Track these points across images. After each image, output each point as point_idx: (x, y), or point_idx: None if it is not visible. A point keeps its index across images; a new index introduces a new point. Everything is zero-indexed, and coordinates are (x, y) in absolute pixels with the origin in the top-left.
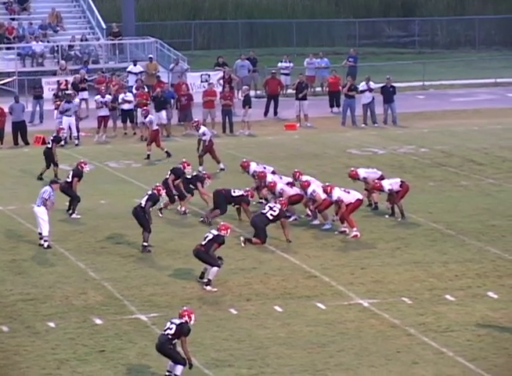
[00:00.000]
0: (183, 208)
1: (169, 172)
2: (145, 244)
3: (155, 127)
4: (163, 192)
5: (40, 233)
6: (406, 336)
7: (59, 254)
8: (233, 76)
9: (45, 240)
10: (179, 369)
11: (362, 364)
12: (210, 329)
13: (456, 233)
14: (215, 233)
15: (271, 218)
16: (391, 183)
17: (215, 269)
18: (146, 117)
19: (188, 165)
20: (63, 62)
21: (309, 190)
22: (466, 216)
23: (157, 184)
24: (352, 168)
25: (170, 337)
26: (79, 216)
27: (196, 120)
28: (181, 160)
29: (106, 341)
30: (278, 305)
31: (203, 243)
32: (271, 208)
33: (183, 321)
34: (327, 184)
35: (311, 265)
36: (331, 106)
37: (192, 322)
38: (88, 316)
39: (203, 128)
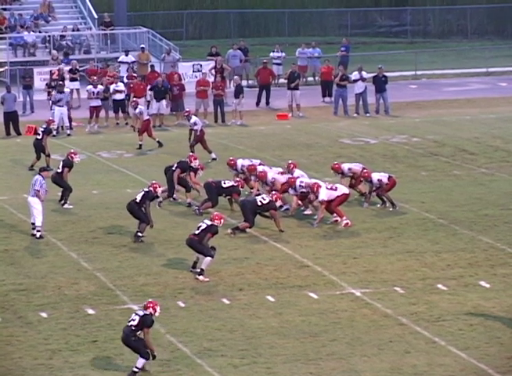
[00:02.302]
0: (188, 200)
1: (175, 166)
2: (139, 234)
3: (146, 117)
4: (159, 189)
5: (33, 223)
6: (398, 325)
7: (52, 245)
8: (225, 66)
9: (38, 230)
10: (141, 362)
11: (355, 354)
12: (203, 319)
13: (449, 223)
14: (208, 222)
15: (259, 204)
16: (380, 175)
17: (208, 259)
18: (135, 109)
19: (195, 159)
20: (54, 52)
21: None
22: (458, 205)
23: (154, 181)
24: (336, 162)
25: (133, 328)
26: (71, 206)
27: (188, 110)
28: (176, 154)
29: (98, 332)
30: (270, 294)
31: (197, 232)
32: (262, 198)
33: (147, 313)
34: (314, 182)
35: (303, 254)
36: (323, 95)
37: (156, 314)
38: (81, 306)
39: (194, 118)
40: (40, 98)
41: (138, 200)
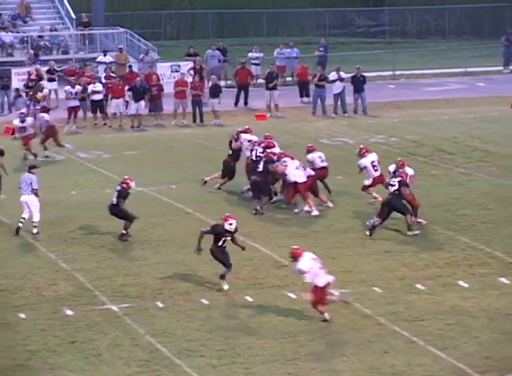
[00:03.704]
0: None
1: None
2: (124, 231)
3: (31, 131)
4: (132, 184)
5: (23, 218)
6: (377, 325)
7: (30, 245)
8: (204, 66)
9: (35, 226)
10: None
11: (334, 354)
12: (182, 319)
13: (427, 222)
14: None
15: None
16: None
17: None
18: (23, 121)
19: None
20: (31, 52)
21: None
22: (436, 205)
23: (125, 177)
24: None
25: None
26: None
27: None
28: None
29: (77, 332)
30: (249, 295)
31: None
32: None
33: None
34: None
35: (281, 254)
36: (301, 96)
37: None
38: (59, 307)
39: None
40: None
41: (115, 202)
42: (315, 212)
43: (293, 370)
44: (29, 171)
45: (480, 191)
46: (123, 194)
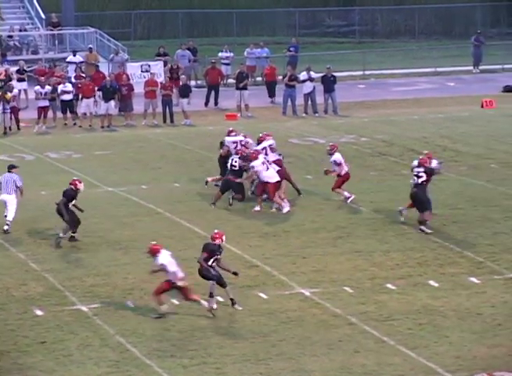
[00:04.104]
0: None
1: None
2: (61, 235)
3: None
4: (80, 185)
5: (6, 216)
6: (348, 325)
7: None
8: (180, 65)
9: (7, 224)
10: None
11: (304, 353)
12: (152, 320)
13: (397, 222)
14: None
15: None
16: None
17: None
18: None
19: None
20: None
21: (252, 163)
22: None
23: (74, 178)
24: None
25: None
26: None
27: None
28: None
29: (47, 333)
30: (219, 295)
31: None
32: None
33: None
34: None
35: (252, 254)
36: (270, 96)
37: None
38: (29, 307)
39: None
40: None
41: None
42: (285, 209)
43: (265, 370)
44: (8, 171)
45: (450, 191)
46: (68, 195)
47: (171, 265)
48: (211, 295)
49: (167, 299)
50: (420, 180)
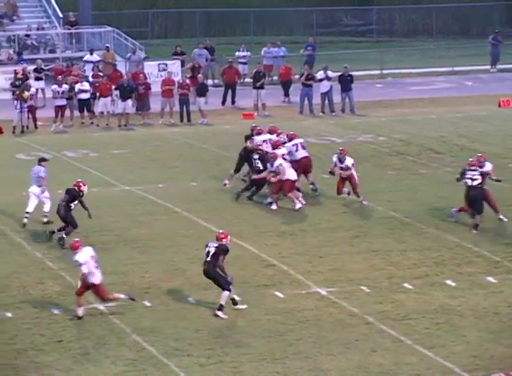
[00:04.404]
0: None
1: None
2: (64, 236)
3: None
4: (83, 187)
5: (27, 212)
6: (365, 324)
7: (16, 244)
8: (202, 65)
9: (45, 216)
10: (225, 296)
11: (321, 352)
12: (170, 318)
13: (415, 222)
14: (215, 244)
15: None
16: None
17: (226, 293)
18: None
19: None
20: (10, 51)
21: (276, 163)
22: (424, 204)
23: (79, 180)
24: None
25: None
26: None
27: None
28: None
29: (63, 331)
30: (236, 294)
31: (208, 259)
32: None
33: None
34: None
35: (269, 253)
36: (285, 95)
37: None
38: (46, 306)
39: None
40: (4, 97)
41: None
42: (298, 205)
43: (281, 369)
44: (39, 164)
45: None
46: (71, 195)
47: (88, 265)
48: (235, 303)
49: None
50: (474, 183)
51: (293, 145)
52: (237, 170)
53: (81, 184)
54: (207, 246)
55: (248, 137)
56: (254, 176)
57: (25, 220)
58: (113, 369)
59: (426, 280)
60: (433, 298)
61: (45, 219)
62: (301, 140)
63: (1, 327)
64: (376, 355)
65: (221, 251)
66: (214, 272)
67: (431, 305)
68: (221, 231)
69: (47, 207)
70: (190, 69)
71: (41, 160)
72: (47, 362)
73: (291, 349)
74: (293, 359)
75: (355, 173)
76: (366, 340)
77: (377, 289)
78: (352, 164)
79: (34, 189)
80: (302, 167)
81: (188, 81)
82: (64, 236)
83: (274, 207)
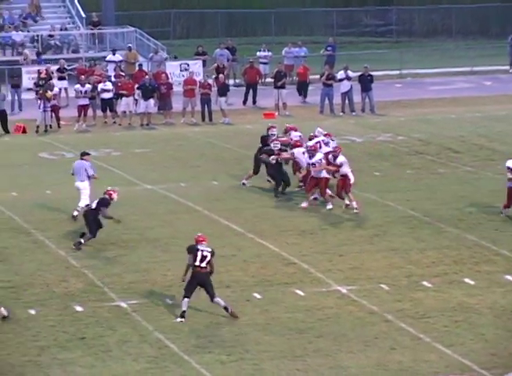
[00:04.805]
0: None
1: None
2: (81, 240)
3: None
4: (114, 195)
5: (79, 206)
6: (384, 322)
7: (40, 243)
8: (226, 65)
9: (77, 210)
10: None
11: (341, 350)
12: (191, 316)
13: (434, 221)
14: (208, 248)
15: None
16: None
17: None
18: None
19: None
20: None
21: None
22: (443, 203)
23: (109, 188)
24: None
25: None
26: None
27: None
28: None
29: (86, 328)
30: (257, 291)
31: (204, 265)
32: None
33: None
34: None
35: (289, 252)
36: (300, 95)
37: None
38: (69, 304)
39: None
40: (28, 97)
41: (93, 207)
42: (329, 206)
43: (302, 367)
44: (81, 158)
45: (486, 189)
46: (104, 204)
47: None
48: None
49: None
50: None
51: (316, 142)
52: (256, 171)
53: (111, 192)
54: (197, 250)
55: (263, 138)
56: (279, 156)
57: (75, 213)
58: (135, 366)
59: (444, 279)
60: (451, 296)
61: (75, 213)
62: (322, 138)
63: (25, 324)
64: (396, 352)
65: (214, 254)
66: (208, 278)
67: (450, 303)
68: (199, 234)
69: (82, 202)
70: (215, 69)
71: (84, 154)
72: (70, 359)
73: (311, 347)
74: (313, 356)
75: (350, 174)
76: (386, 338)
77: (396, 287)
78: (341, 164)
79: (79, 184)
80: None
81: (212, 81)
82: (81, 241)
83: (305, 205)
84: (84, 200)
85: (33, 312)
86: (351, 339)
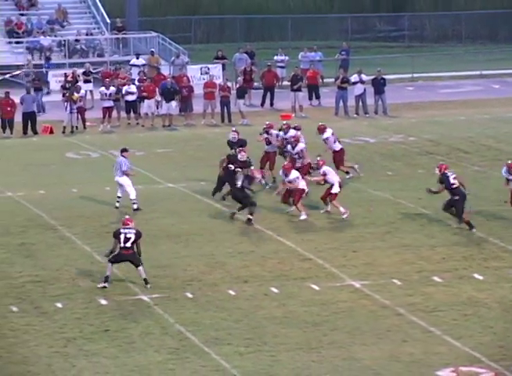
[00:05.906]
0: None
1: None
2: (250, 217)
3: None
4: (132, 224)
5: (119, 197)
6: (396, 316)
7: (66, 239)
8: (254, 68)
9: (134, 203)
10: None
11: (355, 342)
12: (210, 309)
13: (444, 218)
14: (133, 230)
15: None
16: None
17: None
18: None
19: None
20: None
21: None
22: None
23: (127, 216)
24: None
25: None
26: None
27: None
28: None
29: (110, 321)
30: (274, 286)
31: (128, 245)
32: None
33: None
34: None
35: (305, 248)
36: (310, 98)
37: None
38: (94, 297)
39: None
40: (55, 99)
41: (239, 185)
42: (303, 216)
43: (317, 358)
44: (121, 154)
45: (494, 188)
46: (137, 237)
47: None
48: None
49: None
50: None
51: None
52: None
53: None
54: (119, 233)
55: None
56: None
57: (117, 204)
58: (156, 357)
59: (454, 274)
60: (461, 290)
61: (135, 206)
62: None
63: (51, 316)
64: (407, 345)
65: (140, 236)
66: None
67: (459, 298)
68: (126, 217)
69: (133, 195)
70: (243, 72)
71: (123, 150)
72: (95, 350)
73: (326, 339)
74: (328, 348)
75: (336, 184)
76: (398, 331)
77: (408, 282)
78: (324, 173)
79: (119, 179)
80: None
81: (239, 84)
82: (250, 217)
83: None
84: (132, 193)
85: (59, 305)
86: (364, 332)
